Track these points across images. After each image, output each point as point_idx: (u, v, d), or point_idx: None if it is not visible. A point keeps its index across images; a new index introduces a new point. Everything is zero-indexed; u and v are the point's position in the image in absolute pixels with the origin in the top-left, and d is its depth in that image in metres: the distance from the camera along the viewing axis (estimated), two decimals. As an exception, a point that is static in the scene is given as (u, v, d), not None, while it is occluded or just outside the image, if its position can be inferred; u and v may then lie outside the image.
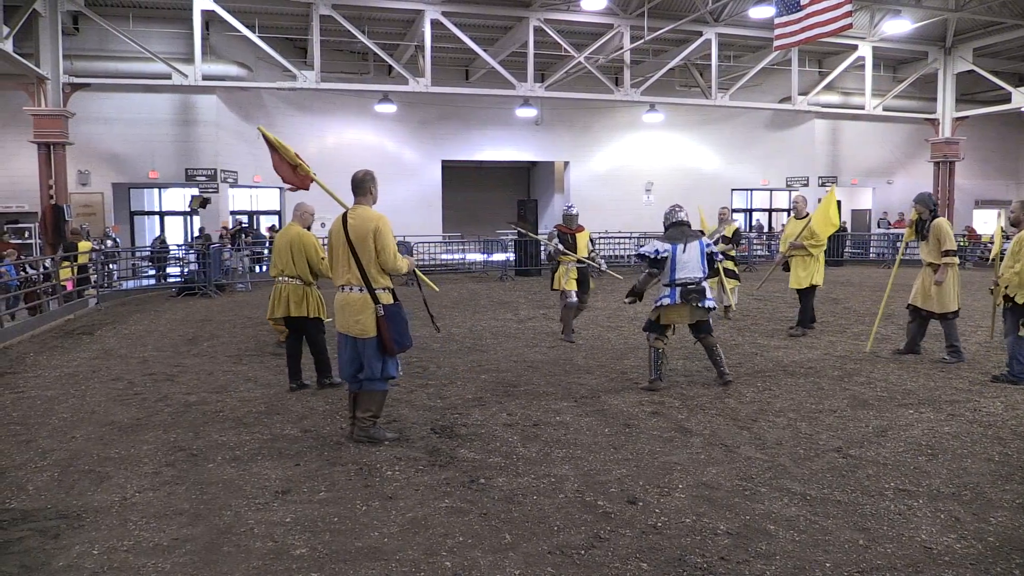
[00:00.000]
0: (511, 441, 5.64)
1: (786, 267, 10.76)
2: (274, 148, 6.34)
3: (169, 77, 18.54)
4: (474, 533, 4.05)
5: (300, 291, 7.27)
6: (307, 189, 6.51)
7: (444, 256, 23.93)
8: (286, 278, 7.26)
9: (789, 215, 10.23)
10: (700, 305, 7.18)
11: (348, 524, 4.18)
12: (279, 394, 7.18)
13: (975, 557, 3.76)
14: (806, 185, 27.89)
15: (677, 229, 7.36)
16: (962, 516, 4.23)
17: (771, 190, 29.85)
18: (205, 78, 18.73)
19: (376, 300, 5.36)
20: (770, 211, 30.66)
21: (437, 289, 7.16)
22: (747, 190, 30.15)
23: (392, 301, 5.44)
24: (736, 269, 11.79)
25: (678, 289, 7.14)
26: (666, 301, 7.17)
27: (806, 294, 10.40)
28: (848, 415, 6.28)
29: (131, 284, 18.29)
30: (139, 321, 12.72)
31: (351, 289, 5.41)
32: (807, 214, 10.49)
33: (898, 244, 24.52)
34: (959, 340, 8.56)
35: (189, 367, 8.65)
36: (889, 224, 27.43)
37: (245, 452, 5.46)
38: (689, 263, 7.17)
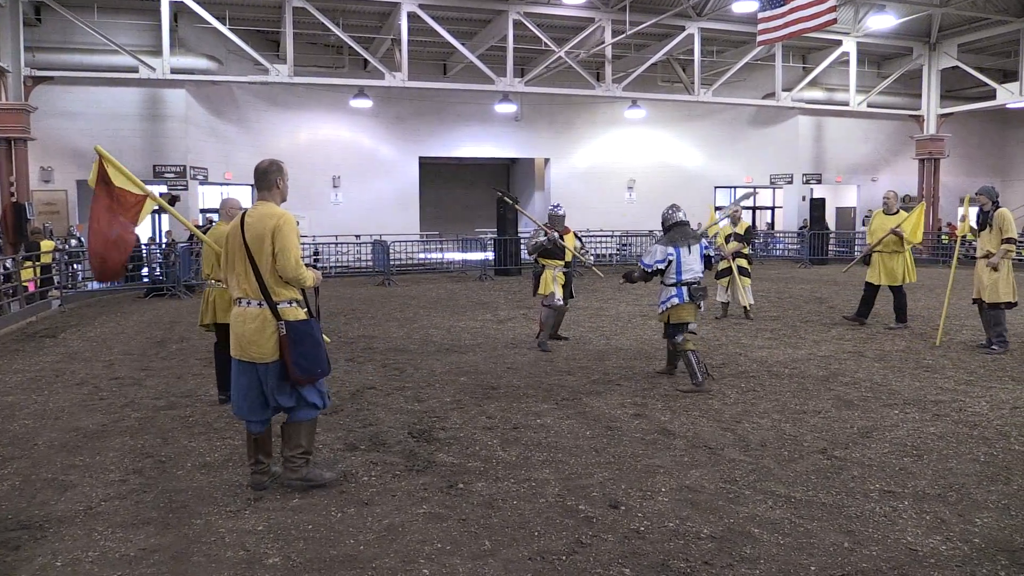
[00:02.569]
0: (490, 445, 5.64)
1: (866, 261, 11.22)
2: (106, 175, 5.19)
3: (136, 70, 18.36)
4: (453, 540, 4.04)
5: (227, 296, 6.77)
6: (135, 224, 5.36)
7: (422, 255, 23.89)
8: (214, 282, 6.81)
9: (873, 210, 10.65)
10: (701, 305, 7.52)
11: (322, 532, 4.15)
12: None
13: (961, 559, 3.80)
14: (790, 183, 28.15)
15: (679, 230, 7.55)
16: (948, 517, 4.28)
17: (755, 187, 30.05)
18: (174, 72, 18.57)
19: (277, 316, 4.53)
20: (754, 209, 30.88)
21: (328, 340, 6.79)
22: (730, 187, 30.34)
23: (302, 317, 4.60)
24: (750, 267, 11.96)
25: (685, 289, 7.38)
26: (675, 300, 7.39)
27: (899, 292, 10.73)
28: (833, 416, 6.33)
29: (96, 285, 18.09)
30: (105, 323, 12.58)
31: (248, 303, 4.58)
32: (898, 210, 10.73)
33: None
34: (1007, 330, 8.91)
35: (157, 371, 8.56)
36: (874, 222, 27.67)
37: (216, 458, 5.41)
38: (693, 264, 7.42)
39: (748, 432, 5.89)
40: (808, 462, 5.19)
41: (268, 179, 4.70)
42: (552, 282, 9.60)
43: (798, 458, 5.28)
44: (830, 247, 25.17)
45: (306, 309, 4.65)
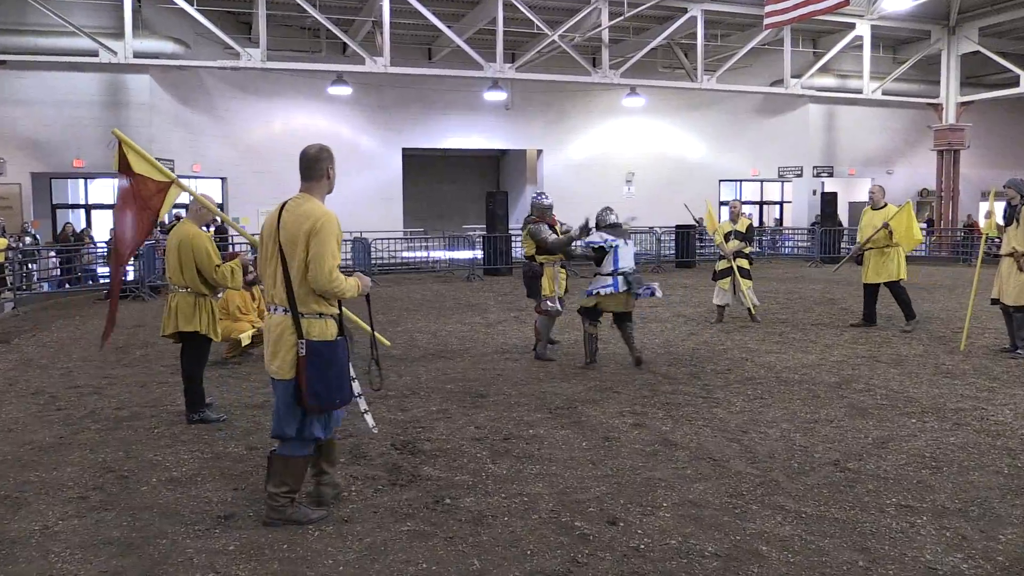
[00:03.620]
0: (480, 457, 5.64)
1: (858, 260, 11.37)
2: (126, 163, 5.20)
3: (96, 54, 18.26)
4: (439, 559, 4.04)
5: (191, 302, 6.64)
6: (157, 218, 5.42)
7: (405, 254, 23.87)
8: (176, 287, 6.67)
9: (866, 205, 10.86)
10: (638, 293, 8.58)
11: (299, 552, 4.14)
12: (222, 408, 7.08)
13: (982, 577, 3.82)
14: (800, 175, 28.27)
15: (615, 229, 8.67)
16: (969, 534, 4.30)
17: (762, 181, 30.18)
18: (137, 55, 18.48)
19: (300, 332, 4.27)
20: (761, 204, 31.01)
21: (388, 344, 6.69)
22: (736, 181, 30.45)
23: (329, 337, 4.33)
24: (751, 268, 11.96)
25: (620, 278, 8.47)
26: (609, 290, 8.45)
27: (897, 290, 10.92)
28: (846, 425, 6.36)
29: (50, 287, 17.99)
30: (63, 327, 12.51)
31: (275, 309, 4.35)
32: (884, 204, 10.94)
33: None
34: None
35: (119, 378, 8.52)
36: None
37: (183, 473, 5.39)
38: (628, 255, 8.60)
39: (755, 443, 5.91)
40: (820, 475, 5.21)
41: (318, 168, 4.41)
42: (553, 282, 9.16)
43: (809, 470, 5.29)
44: (843, 245, 25.27)
45: (340, 324, 4.45)
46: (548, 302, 9.13)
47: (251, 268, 7.77)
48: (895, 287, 10.93)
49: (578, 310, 8.88)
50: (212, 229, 20.97)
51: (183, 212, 23.75)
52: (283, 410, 4.35)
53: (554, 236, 9.02)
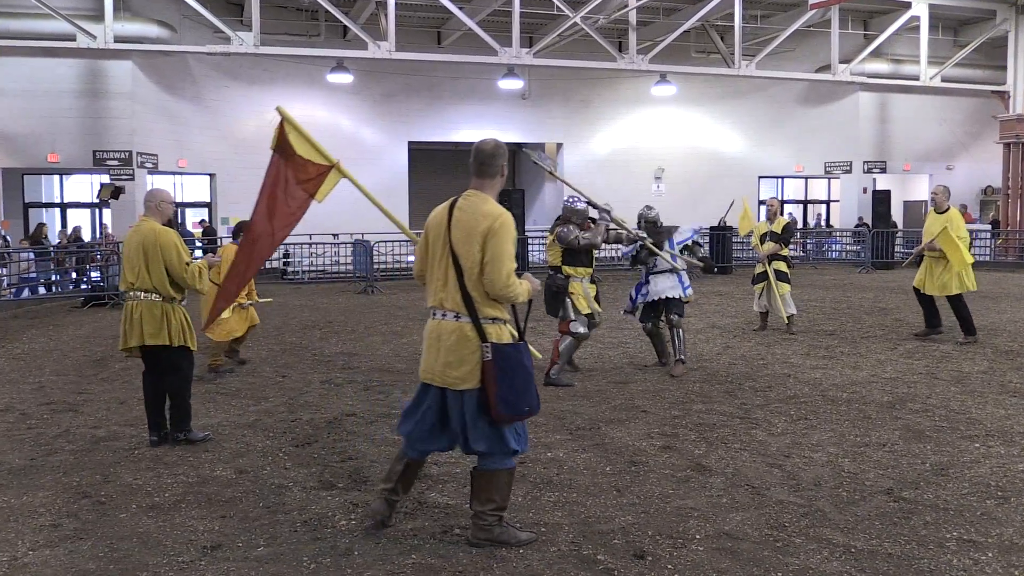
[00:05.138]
0: (492, 483, 5.62)
1: (917, 263, 11.57)
2: (287, 143, 5.30)
3: (73, 38, 18.46)
4: (447, 596, 4.03)
5: (158, 311, 6.45)
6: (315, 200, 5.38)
7: (411, 258, 23.85)
8: (139, 293, 6.46)
9: (928, 208, 11.01)
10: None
11: (292, 586, 4.14)
12: (208, 427, 7.12)
13: (1054, 621, 3.78)
14: (849, 172, 28.10)
15: (657, 226, 9.45)
16: (1038, 571, 4.26)
17: (806, 177, 30.05)
18: (118, 40, 18.66)
19: (483, 336, 4.44)
20: (805, 203, 30.88)
21: (539, 356, 6.42)
22: (777, 178, 30.35)
23: (507, 339, 4.50)
24: (789, 272, 12.02)
25: (684, 275, 9.42)
26: (677, 293, 9.30)
27: (956, 304, 10.93)
28: (900, 449, 6.31)
29: (24, 294, 18.14)
30: (35, 338, 12.61)
31: (443, 315, 4.51)
32: (948, 208, 10.90)
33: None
34: None
35: (96, 394, 8.58)
36: (950, 219, 27.60)
37: (166, 499, 5.41)
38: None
39: (799, 468, 5.88)
40: (871, 505, 5.17)
41: (494, 165, 4.59)
42: (587, 299, 8.83)
43: (859, 500, 5.26)
44: (896, 249, 25.13)
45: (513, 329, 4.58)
46: (578, 322, 8.79)
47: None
48: (955, 301, 10.88)
49: (639, 316, 9.64)
50: (201, 227, 21.12)
51: (205, 215, 24.09)
52: (472, 423, 4.47)
53: (586, 236, 8.71)
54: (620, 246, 9.52)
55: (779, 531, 4.76)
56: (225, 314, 8.95)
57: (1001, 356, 10.00)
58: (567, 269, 8.83)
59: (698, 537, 4.69)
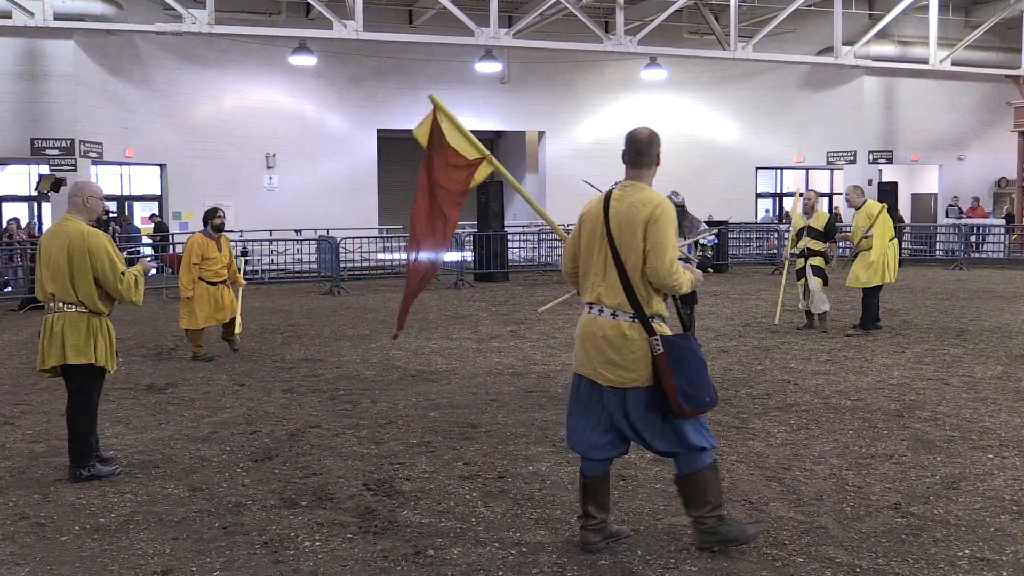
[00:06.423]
0: (469, 499, 5.63)
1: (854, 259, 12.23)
2: (439, 133, 5.30)
3: (8, 15, 18.26)
4: (420, 623, 4.02)
5: (83, 324, 6.05)
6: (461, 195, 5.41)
7: (380, 256, 23.87)
8: (61, 304, 6.05)
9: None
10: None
11: (251, 613, 4.13)
12: (159, 440, 7.08)
13: (1072, 644, 3.82)
14: (852, 162, 28.23)
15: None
16: (1056, 591, 4.30)
17: (807, 168, 30.20)
18: (58, 17, 18.49)
19: (650, 330, 4.56)
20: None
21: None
22: (776, 168, 30.50)
23: (669, 333, 4.65)
24: (826, 268, 12.33)
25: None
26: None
27: (869, 292, 11.99)
28: (908, 461, 6.35)
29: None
30: (-32, 344, 12.49)
31: (601, 311, 4.65)
32: (864, 202, 12.03)
33: (972, 239, 24.94)
34: None
35: (35, 406, 8.50)
36: (961, 212, 27.86)
37: (112, 519, 5.37)
38: None
39: (799, 482, 5.91)
40: (877, 521, 5.20)
41: (650, 153, 4.80)
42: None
43: (864, 516, 5.29)
44: (904, 244, 25.29)
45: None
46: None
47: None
48: (866, 292, 12.01)
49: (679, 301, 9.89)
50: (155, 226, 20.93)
51: (155, 208, 23.95)
52: (641, 422, 4.59)
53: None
54: None
55: (778, 549, 4.78)
56: (195, 304, 10.61)
57: (1016, 360, 10.08)
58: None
59: (691, 558, 4.70)
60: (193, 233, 11.41)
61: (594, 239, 4.70)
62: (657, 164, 4.86)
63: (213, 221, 11.00)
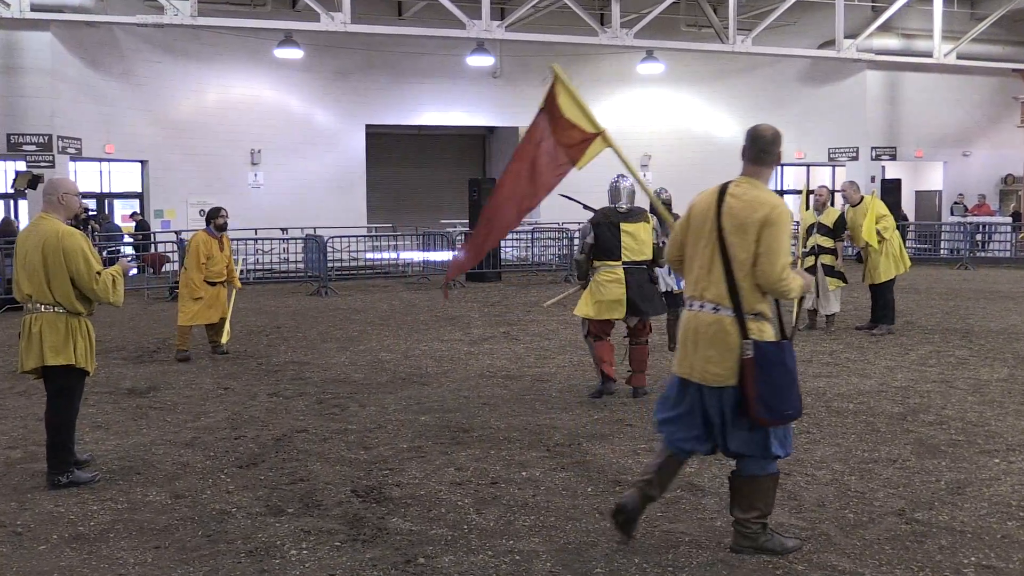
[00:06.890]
0: (461, 506, 5.63)
1: (858, 258, 12.31)
2: (555, 104, 5.38)
3: (-15, 8, 18.22)
4: (410, 634, 4.02)
5: (62, 325, 6.06)
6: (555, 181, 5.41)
7: (369, 255, 23.83)
8: (39, 305, 6.06)
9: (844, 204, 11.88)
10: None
11: (235, 624, 4.12)
12: (140, 446, 7.07)
13: (1081, 653, 3.83)
14: (855, 158, 28.25)
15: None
16: (1064, 599, 4.31)
17: (808, 165, 30.22)
18: (35, 8, 18.43)
19: (745, 331, 4.59)
20: (807, 193, 31.00)
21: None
22: (777, 165, 30.44)
23: (770, 337, 4.66)
24: (841, 267, 12.44)
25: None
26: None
27: (875, 289, 12.25)
28: (913, 466, 6.36)
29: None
30: (-57, 347, 12.44)
31: (702, 306, 4.71)
32: (861, 198, 12.17)
33: (977, 238, 24.96)
34: None
35: (12, 410, 8.47)
36: (966, 210, 27.88)
37: (92, 528, 5.36)
38: None
39: (800, 488, 5.91)
40: (881, 527, 5.21)
41: (773, 151, 4.89)
42: (601, 290, 8.42)
43: (867, 522, 5.30)
44: (907, 243, 25.32)
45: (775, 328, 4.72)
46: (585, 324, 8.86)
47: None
48: (876, 289, 12.27)
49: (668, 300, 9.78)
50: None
51: (136, 206, 23.86)
52: (731, 423, 4.65)
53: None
54: None
55: (779, 557, 4.78)
56: (192, 303, 10.78)
57: (1023, 363, 10.10)
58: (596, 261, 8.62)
59: (690, 565, 4.70)
60: (196, 232, 11.53)
61: (703, 231, 4.73)
62: (777, 163, 4.94)
63: (216, 220, 11.06)
